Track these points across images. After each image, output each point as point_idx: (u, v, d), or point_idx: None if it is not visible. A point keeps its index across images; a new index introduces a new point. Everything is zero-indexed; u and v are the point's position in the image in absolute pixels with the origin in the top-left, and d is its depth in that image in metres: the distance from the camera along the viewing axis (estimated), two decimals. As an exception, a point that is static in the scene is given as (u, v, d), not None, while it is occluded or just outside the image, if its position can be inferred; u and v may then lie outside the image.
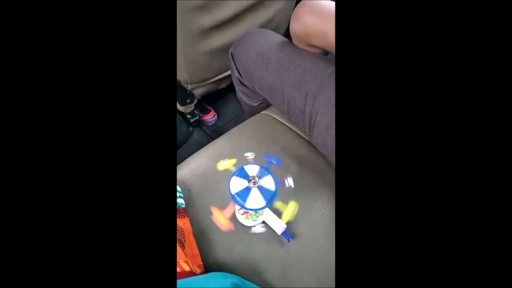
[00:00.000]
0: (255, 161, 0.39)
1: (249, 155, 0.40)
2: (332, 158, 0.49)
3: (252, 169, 0.38)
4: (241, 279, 0.35)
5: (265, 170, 0.38)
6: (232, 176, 0.37)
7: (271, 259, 0.42)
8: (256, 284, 0.37)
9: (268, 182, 0.37)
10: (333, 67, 0.47)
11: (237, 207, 0.44)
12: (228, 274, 0.34)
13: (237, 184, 0.36)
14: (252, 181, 0.36)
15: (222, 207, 0.36)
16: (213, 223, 0.44)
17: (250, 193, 0.36)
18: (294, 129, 0.58)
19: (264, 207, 0.35)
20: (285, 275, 0.41)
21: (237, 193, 0.36)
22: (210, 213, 0.36)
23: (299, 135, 0.57)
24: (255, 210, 0.36)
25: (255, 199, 0.35)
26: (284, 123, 0.59)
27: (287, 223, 0.40)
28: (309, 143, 0.55)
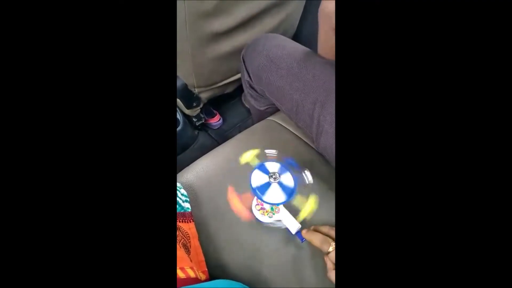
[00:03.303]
0: (276, 159, 0.40)
1: (271, 152, 0.41)
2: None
3: (273, 166, 0.39)
4: (246, 287, 0.35)
5: (285, 168, 0.39)
6: (254, 170, 0.38)
7: (277, 267, 0.42)
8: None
9: (288, 179, 0.38)
10: None
11: (254, 202, 0.45)
12: (234, 282, 0.34)
13: (258, 178, 0.38)
14: (273, 176, 0.38)
15: (240, 192, 0.37)
16: (219, 227, 0.45)
17: (270, 187, 0.37)
18: (300, 136, 0.58)
19: (284, 202, 0.36)
20: (289, 282, 0.41)
21: (257, 187, 0.37)
22: (226, 193, 0.37)
23: (305, 142, 0.57)
24: (275, 204, 0.37)
25: (275, 194, 0.37)
26: (291, 129, 0.59)
27: (302, 222, 0.41)
28: (315, 150, 0.55)
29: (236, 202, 0.38)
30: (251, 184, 0.37)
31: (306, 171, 0.39)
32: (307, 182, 0.39)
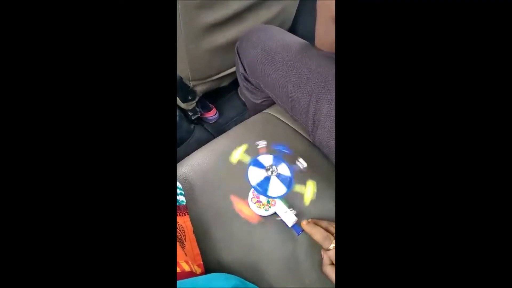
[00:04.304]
0: (267, 151, 0.39)
1: (261, 143, 0.40)
2: (333, 158, 0.48)
3: (267, 159, 0.38)
4: (243, 280, 0.34)
5: (278, 159, 0.38)
6: (249, 167, 0.37)
7: (273, 260, 0.42)
8: (257, 285, 0.37)
9: (284, 169, 0.38)
10: None
11: (250, 195, 0.45)
12: (230, 276, 0.34)
13: (255, 175, 0.37)
14: (270, 170, 0.37)
15: (243, 196, 0.37)
16: (215, 221, 0.44)
17: (270, 182, 0.36)
18: (296, 129, 0.57)
19: (285, 194, 0.36)
20: (285, 277, 0.41)
21: (257, 184, 0.36)
22: (230, 203, 0.37)
23: (302, 135, 0.56)
24: (278, 198, 0.36)
25: (276, 187, 0.36)
26: (287, 122, 0.58)
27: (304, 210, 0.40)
28: (311, 143, 0.54)
29: (245, 210, 0.39)
30: (250, 182, 0.36)
31: (299, 159, 0.39)
32: (302, 168, 0.38)
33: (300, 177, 0.38)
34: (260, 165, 0.38)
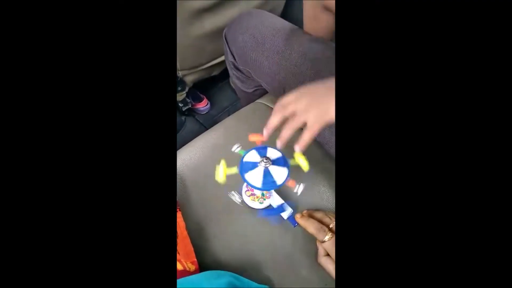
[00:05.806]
0: (243, 149, 0.38)
1: (235, 147, 0.38)
2: (328, 147, 0.47)
3: (273, 153, 0.37)
4: (237, 276, 0.33)
5: (285, 162, 0.36)
6: (244, 175, 0.36)
7: (269, 252, 0.41)
8: (253, 278, 0.36)
9: (280, 174, 0.35)
10: (331, 51, 0.44)
11: (244, 188, 0.44)
12: (223, 272, 0.33)
13: (254, 177, 0.35)
14: (264, 161, 0.35)
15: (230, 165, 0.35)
16: (209, 216, 0.43)
17: (255, 169, 0.35)
18: (290, 118, 0.56)
19: (289, 172, 0.35)
20: (282, 269, 0.40)
21: (262, 182, 0.35)
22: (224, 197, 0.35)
23: (296, 124, 0.55)
24: (251, 186, 0.35)
25: (279, 172, 0.35)
26: (280, 111, 0.57)
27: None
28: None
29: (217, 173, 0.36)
30: (256, 187, 0.35)
31: (301, 184, 0.36)
32: (294, 191, 0.36)
33: (288, 153, 0.36)
34: (251, 165, 0.36)
